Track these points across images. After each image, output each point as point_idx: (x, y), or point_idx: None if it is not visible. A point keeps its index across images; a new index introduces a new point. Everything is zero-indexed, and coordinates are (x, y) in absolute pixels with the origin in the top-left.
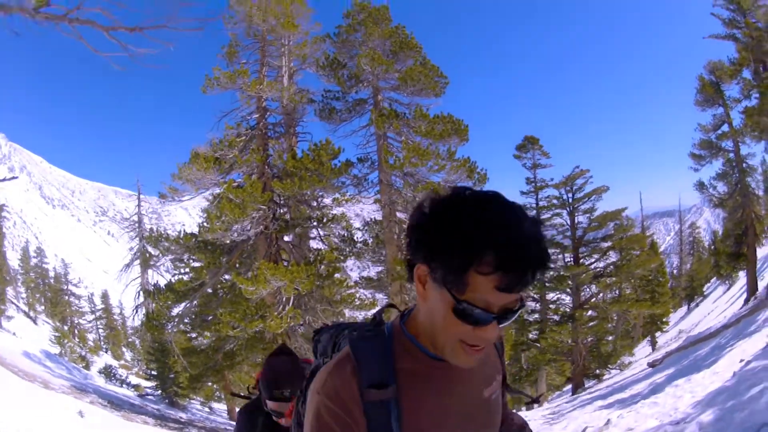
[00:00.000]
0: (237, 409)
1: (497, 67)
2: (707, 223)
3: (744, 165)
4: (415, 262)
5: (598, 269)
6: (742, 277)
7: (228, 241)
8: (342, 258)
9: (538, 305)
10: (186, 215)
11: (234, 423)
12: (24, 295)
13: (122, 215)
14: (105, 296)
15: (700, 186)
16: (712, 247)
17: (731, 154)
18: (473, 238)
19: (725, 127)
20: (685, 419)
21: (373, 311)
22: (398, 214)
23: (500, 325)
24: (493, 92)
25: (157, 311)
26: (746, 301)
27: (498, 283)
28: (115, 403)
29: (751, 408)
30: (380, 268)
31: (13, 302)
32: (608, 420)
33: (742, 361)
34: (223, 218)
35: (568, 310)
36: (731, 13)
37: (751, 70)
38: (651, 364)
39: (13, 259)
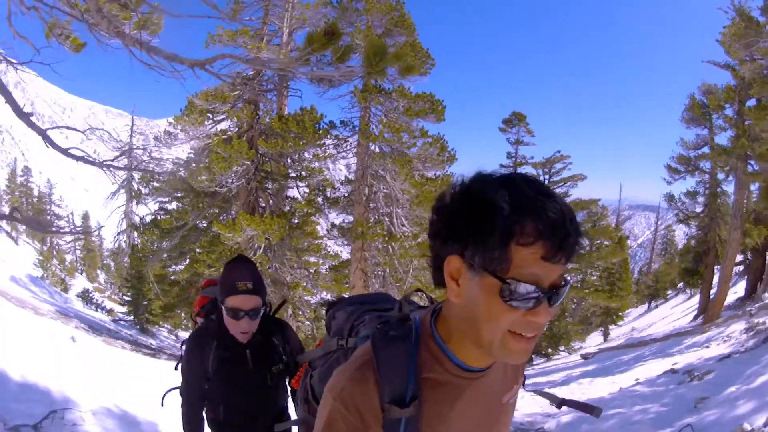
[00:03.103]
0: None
1: (495, 41)
2: (688, 227)
3: (718, 189)
4: (443, 257)
5: None
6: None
7: (212, 190)
8: (314, 211)
9: None
10: None
11: None
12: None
13: (110, 134)
14: (85, 217)
15: (670, 199)
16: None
17: (707, 176)
18: (511, 209)
19: (706, 149)
20: (554, 415)
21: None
22: (369, 179)
23: (551, 306)
24: (487, 68)
25: (142, 245)
26: (695, 317)
27: (543, 252)
28: (95, 328)
29: (597, 426)
30: (352, 219)
31: None
32: None
33: (637, 380)
34: (211, 170)
35: None
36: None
37: (734, 110)
38: (583, 356)
39: (0, 179)
